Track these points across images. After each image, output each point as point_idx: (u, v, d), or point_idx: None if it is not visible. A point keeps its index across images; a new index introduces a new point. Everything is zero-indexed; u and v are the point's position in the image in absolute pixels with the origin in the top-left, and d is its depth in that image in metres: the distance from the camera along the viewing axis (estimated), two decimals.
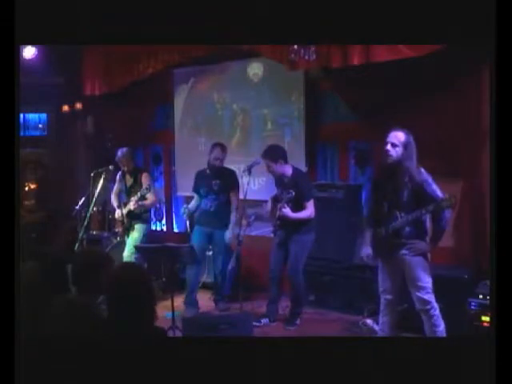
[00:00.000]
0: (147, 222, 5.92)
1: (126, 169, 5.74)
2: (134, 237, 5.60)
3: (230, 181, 5.31)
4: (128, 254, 5.50)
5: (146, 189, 5.45)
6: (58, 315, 2.53)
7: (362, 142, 5.54)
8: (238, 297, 4.77)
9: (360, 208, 5.38)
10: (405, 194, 3.66)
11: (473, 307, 4.04)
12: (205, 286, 5.80)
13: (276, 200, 4.88)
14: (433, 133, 4.61)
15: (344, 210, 5.20)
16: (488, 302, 3.90)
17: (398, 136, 3.67)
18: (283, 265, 4.91)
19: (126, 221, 5.66)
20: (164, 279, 5.09)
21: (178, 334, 4.20)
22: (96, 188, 5.90)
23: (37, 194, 7.22)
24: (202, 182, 5.38)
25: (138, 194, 5.48)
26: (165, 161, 7.22)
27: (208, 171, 5.32)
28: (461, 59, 4.46)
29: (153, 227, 6.86)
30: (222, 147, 5.27)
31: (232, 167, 5.49)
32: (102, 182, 5.90)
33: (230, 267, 4.86)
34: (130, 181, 5.76)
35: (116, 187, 5.91)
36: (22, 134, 7.07)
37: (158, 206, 6.84)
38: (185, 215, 5.56)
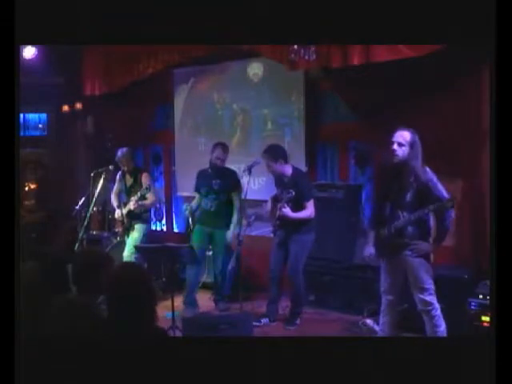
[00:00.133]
0: (147, 221, 5.93)
1: (126, 169, 5.74)
2: (134, 237, 5.60)
3: (230, 181, 5.31)
4: (128, 253, 5.50)
5: (146, 188, 5.45)
6: (57, 315, 2.53)
7: (362, 142, 5.54)
8: (238, 297, 4.77)
9: (360, 208, 5.40)
10: (409, 193, 3.66)
11: (473, 307, 4.04)
12: (205, 286, 5.80)
13: (276, 200, 4.88)
14: (433, 133, 4.60)
15: (344, 210, 5.20)
16: (488, 302, 3.90)
17: (404, 135, 3.67)
18: (283, 265, 4.91)
19: (125, 221, 5.66)
20: (164, 279, 5.10)
21: (178, 334, 4.20)
22: (96, 188, 5.90)
23: (37, 193, 7.23)
24: (203, 181, 5.39)
25: (138, 193, 5.49)
26: (165, 161, 7.22)
27: (209, 171, 5.33)
28: (461, 59, 4.46)
29: (153, 227, 6.86)
30: (224, 147, 5.28)
31: (232, 167, 5.49)
32: (101, 182, 5.90)
33: (230, 267, 4.86)
34: (129, 181, 5.76)
35: (116, 187, 5.91)
36: (22, 134, 7.07)
37: (158, 205, 6.84)
38: (187, 211, 5.55)
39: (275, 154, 4.77)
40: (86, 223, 5.89)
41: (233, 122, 6.37)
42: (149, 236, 5.79)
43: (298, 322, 4.93)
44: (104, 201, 6.66)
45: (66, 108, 7.23)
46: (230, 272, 5.02)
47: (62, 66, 6.74)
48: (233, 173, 5.39)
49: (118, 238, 5.87)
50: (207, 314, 5.28)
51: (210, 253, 5.63)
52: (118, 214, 5.73)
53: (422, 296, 3.70)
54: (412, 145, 3.65)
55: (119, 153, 5.69)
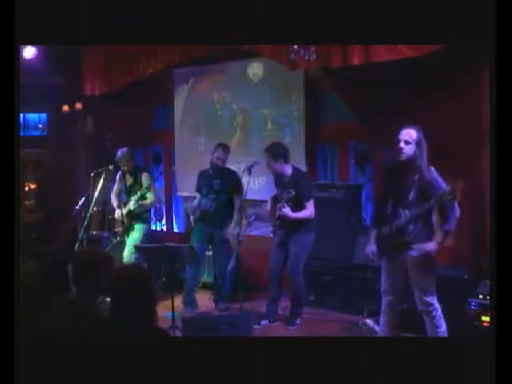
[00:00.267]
0: (147, 221, 5.92)
1: (125, 169, 5.74)
2: (134, 237, 5.60)
3: (231, 181, 5.31)
4: (128, 253, 5.50)
5: (146, 188, 5.45)
6: (58, 315, 2.53)
7: (362, 142, 5.54)
8: (238, 297, 4.77)
9: (360, 208, 5.40)
10: (412, 192, 3.65)
11: (473, 307, 4.04)
12: (205, 286, 5.80)
13: (276, 200, 4.88)
14: (433, 133, 4.60)
15: (344, 210, 5.19)
16: (488, 302, 3.90)
17: (411, 133, 3.65)
18: (283, 265, 4.90)
19: (125, 221, 5.66)
20: (164, 279, 5.09)
21: (178, 334, 4.20)
22: (96, 188, 5.89)
23: (37, 193, 7.22)
24: (203, 181, 5.39)
25: (138, 193, 5.49)
26: (165, 161, 7.23)
27: (210, 171, 5.34)
28: (461, 59, 4.45)
29: (153, 227, 6.86)
30: (225, 148, 5.29)
31: (232, 167, 5.49)
32: (101, 181, 5.89)
33: (230, 267, 4.86)
34: (129, 181, 5.76)
35: (116, 187, 5.91)
36: (22, 134, 7.07)
37: (158, 205, 6.85)
38: (188, 209, 5.55)
39: (276, 153, 4.77)
40: (85, 223, 5.88)
41: (233, 122, 6.37)
42: (149, 236, 5.79)
43: (298, 322, 4.93)
44: (104, 201, 6.66)
45: (66, 108, 7.23)
46: (230, 272, 5.02)
47: (62, 66, 6.74)
48: (233, 173, 5.39)
49: (118, 238, 5.86)
50: (207, 313, 5.28)
51: (210, 253, 5.64)
52: (117, 213, 5.73)
53: (422, 296, 3.70)
54: (418, 143, 3.64)
55: (119, 153, 5.69)
